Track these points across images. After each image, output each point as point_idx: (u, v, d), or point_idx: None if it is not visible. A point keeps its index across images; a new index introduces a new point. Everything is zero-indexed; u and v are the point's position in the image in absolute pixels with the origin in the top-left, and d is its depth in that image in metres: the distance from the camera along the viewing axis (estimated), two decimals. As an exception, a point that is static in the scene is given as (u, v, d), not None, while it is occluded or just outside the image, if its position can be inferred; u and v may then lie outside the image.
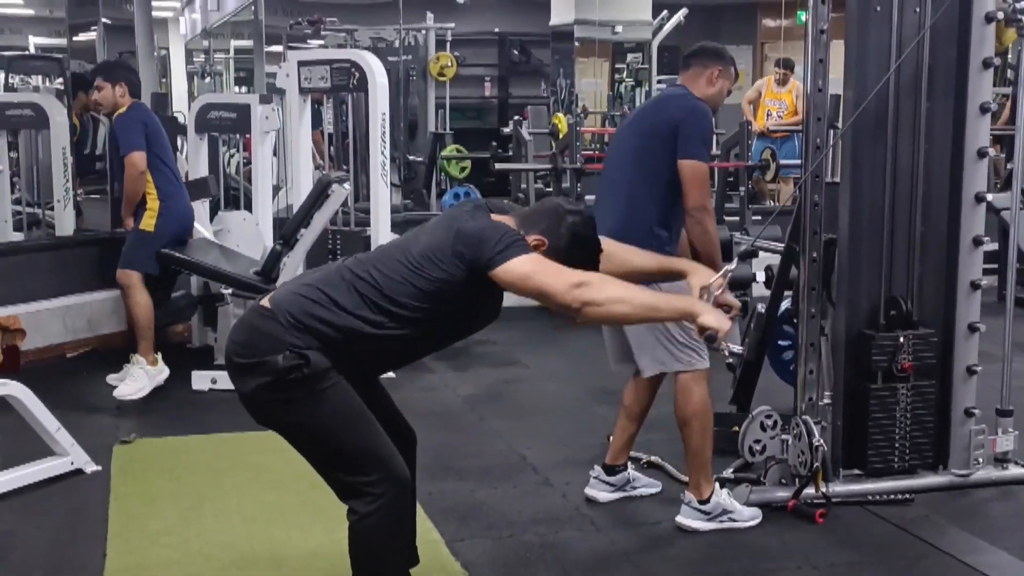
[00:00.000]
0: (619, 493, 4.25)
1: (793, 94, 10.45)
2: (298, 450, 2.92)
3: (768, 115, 10.56)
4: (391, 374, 5.89)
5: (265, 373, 2.78)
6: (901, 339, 4.22)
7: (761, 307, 4.87)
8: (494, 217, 2.90)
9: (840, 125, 4.39)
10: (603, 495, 4.25)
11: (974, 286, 4.32)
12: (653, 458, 4.59)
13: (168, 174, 5.80)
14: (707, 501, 3.96)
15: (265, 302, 2.91)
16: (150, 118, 5.83)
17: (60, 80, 10.16)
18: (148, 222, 5.72)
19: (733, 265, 3.18)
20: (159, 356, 5.78)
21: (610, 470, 4.26)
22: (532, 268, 2.76)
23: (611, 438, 4.35)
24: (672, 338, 3.94)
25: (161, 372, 5.77)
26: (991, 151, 5.16)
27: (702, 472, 3.98)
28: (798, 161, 7.47)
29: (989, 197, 4.34)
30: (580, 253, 2.91)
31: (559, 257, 2.85)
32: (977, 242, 4.30)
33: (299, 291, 2.89)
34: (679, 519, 3.98)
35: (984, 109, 4.25)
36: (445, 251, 2.81)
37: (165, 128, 6.06)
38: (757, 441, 4.25)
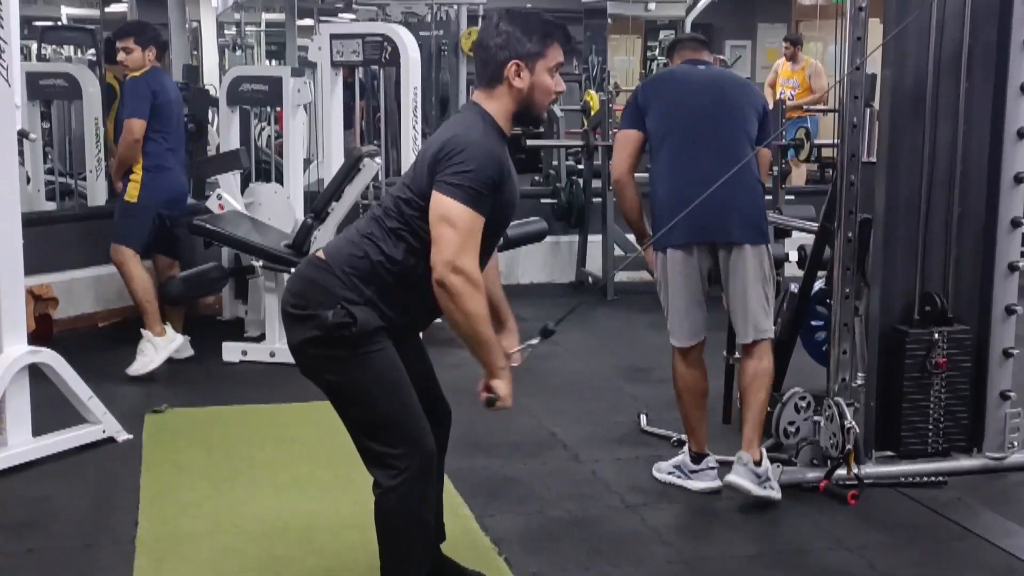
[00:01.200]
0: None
1: (806, 72, 10.29)
2: (334, 406, 2.92)
3: (781, 94, 10.33)
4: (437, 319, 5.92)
5: (314, 327, 2.79)
6: (936, 335, 4.19)
7: (794, 287, 4.84)
8: (494, 113, 2.86)
9: (876, 104, 4.35)
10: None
11: (1012, 268, 4.27)
12: (683, 436, 4.58)
13: (162, 146, 5.67)
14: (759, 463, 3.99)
15: (320, 253, 2.92)
16: (162, 87, 5.71)
17: (92, 51, 10.18)
18: (132, 192, 5.64)
19: (535, 342, 3.19)
20: (167, 326, 5.69)
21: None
22: (453, 217, 2.69)
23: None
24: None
25: (172, 341, 5.66)
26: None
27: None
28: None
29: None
30: (537, 27, 2.87)
31: (536, 50, 2.84)
32: (1016, 223, 4.25)
33: (349, 238, 2.91)
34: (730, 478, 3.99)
35: (1025, 89, 4.20)
36: (419, 177, 2.80)
37: (190, 97, 5.99)
38: (791, 423, 4.23)
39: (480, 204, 2.73)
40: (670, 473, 4.19)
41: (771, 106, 10.00)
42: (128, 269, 5.67)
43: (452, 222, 2.71)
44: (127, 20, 7.68)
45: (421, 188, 2.79)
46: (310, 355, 2.87)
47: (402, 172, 6.21)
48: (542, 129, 9.43)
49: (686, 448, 4.21)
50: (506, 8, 3.00)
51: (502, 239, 5.59)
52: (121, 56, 5.69)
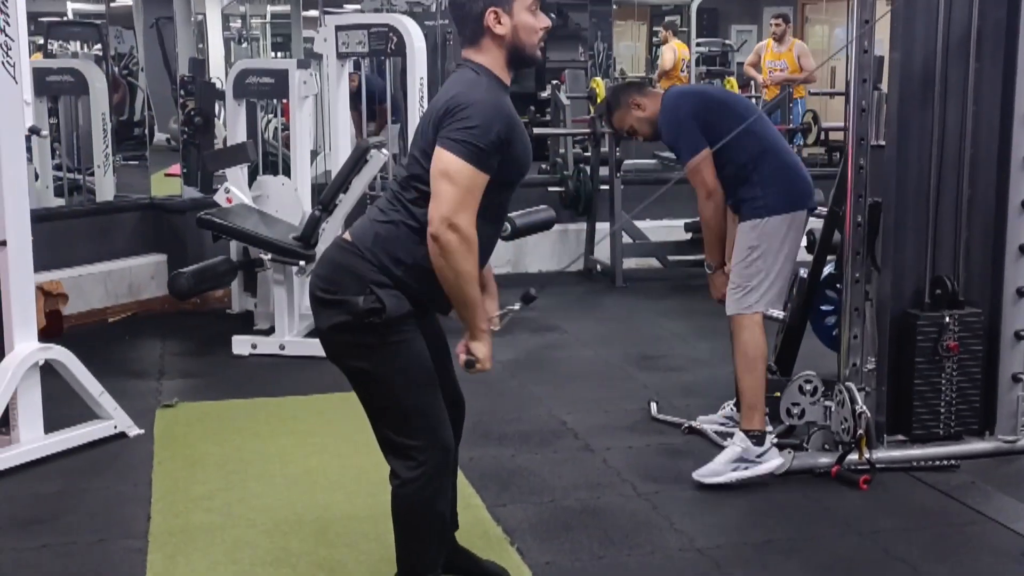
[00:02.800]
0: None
1: (794, 52, 10.09)
2: (357, 393, 2.91)
3: (770, 77, 10.25)
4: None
5: (344, 312, 2.78)
6: (947, 319, 4.18)
7: (804, 272, 4.82)
8: (490, 64, 2.85)
9: (884, 87, 4.33)
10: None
11: (1022, 250, 4.25)
12: (694, 423, 4.58)
13: None
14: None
15: (348, 235, 2.91)
16: None
17: (99, 46, 10.18)
18: None
19: (516, 307, 3.16)
20: None
21: None
22: (454, 173, 2.68)
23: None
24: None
25: None
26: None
27: None
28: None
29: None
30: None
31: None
32: (1027, 207, 4.23)
33: (372, 216, 2.90)
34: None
35: (1036, 69, 4.17)
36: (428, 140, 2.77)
37: (196, 91, 5.87)
38: (795, 404, 4.22)
39: (483, 162, 2.70)
40: (734, 470, 4.03)
41: (757, 88, 9.96)
42: None
43: (452, 178, 2.69)
44: (133, 20, 7.67)
45: (425, 151, 2.77)
46: (338, 341, 2.86)
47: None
48: (549, 117, 9.43)
49: (736, 437, 4.09)
50: None
51: (510, 227, 5.56)
52: None
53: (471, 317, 2.85)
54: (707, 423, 4.55)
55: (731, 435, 4.22)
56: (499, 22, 2.82)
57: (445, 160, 2.69)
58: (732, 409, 4.52)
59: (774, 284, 4.17)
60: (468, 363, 2.89)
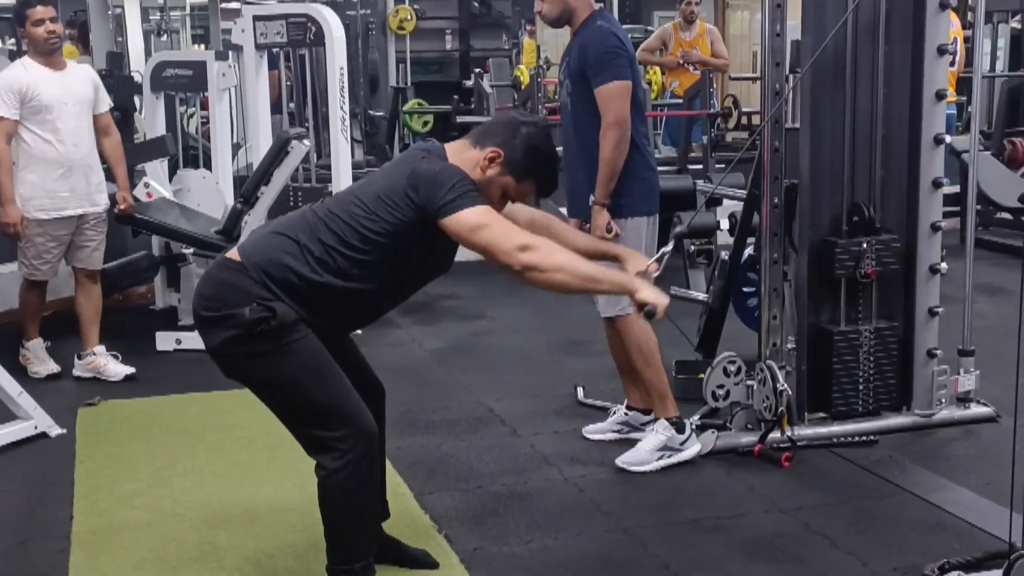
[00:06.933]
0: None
1: (706, 39, 9.17)
2: (265, 403, 2.92)
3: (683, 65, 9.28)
4: (358, 331, 5.90)
5: (232, 326, 2.77)
6: (864, 245, 4.24)
7: (725, 255, 4.89)
8: (452, 157, 2.90)
9: (800, 70, 4.39)
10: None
11: (935, 228, 4.35)
12: (618, 407, 4.62)
13: None
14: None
15: (232, 254, 2.89)
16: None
17: (12, 40, 9.98)
18: None
19: (669, 248, 3.18)
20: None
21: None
22: (481, 220, 2.75)
23: None
24: None
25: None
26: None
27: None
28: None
29: (948, 139, 4.35)
30: (537, 162, 2.93)
31: (516, 169, 2.88)
32: (937, 184, 4.32)
33: (267, 240, 2.88)
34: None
35: (941, 51, 4.25)
36: (398, 192, 2.81)
37: (114, 85, 5.77)
38: (720, 386, 4.28)
39: (481, 199, 2.79)
40: (660, 459, 4.06)
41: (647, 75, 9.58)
42: None
43: (483, 224, 2.75)
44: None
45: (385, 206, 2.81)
46: (232, 355, 2.85)
47: (332, 154, 6.18)
48: (473, 106, 9.44)
49: (657, 426, 4.11)
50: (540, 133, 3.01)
51: None
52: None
53: (612, 286, 2.90)
54: (597, 434, 4.42)
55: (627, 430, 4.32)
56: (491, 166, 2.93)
57: (464, 219, 2.75)
58: (624, 413, 4.41)
59: None
60: (648, 315, 2.82)
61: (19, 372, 4.61)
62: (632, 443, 4.18)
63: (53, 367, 5.41)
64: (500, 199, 2.96)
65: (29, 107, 5.04)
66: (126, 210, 5.51)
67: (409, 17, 10.41)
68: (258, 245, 2.89)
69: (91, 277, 5.40)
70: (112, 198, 5.48)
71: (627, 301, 3.98)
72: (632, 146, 3.99)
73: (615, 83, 3.93)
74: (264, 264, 2.81)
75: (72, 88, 5.20)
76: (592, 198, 4.01)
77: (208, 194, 6.14)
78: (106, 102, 5.45)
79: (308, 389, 2.84)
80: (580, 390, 4.88)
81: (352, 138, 7.18)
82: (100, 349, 5.35)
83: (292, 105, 8.91)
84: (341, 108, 6.06)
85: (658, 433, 4.10)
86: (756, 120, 9.67)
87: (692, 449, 4.11)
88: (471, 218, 2.74)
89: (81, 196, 5.23)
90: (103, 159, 5.45)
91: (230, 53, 6.86)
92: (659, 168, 4.36)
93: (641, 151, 4.06)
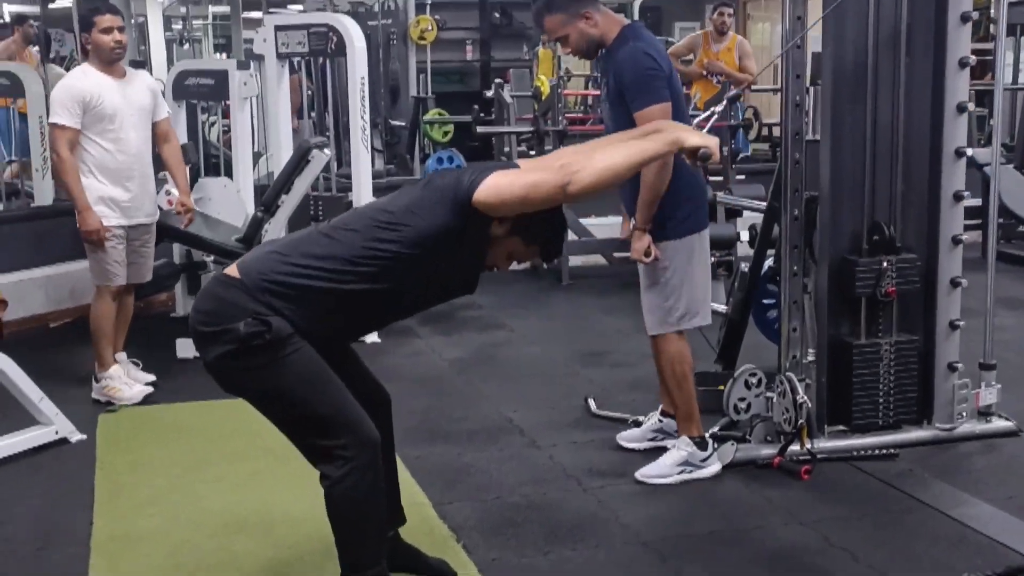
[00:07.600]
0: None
1: (735, 53, 8.86)
2: (266, 416, 2.93)
3: (713, 79, 8.98)
4: (376, 339, 5.92)
5: (228, 341, 2.78)
6: (885, 264, 4.22)
7: (745, 266, 4.88)
8: None
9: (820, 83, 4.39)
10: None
11: (956, 241, 4.33)
12: (640, 418, 4.61)
13: None
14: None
15: (231, 270, 2.90)
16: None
17: (36, 48, 10.06)
18: None
19: (720, 107, 3.14)
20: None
21: None
22: (510, 176, 2.79)
23: None
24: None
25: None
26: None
27: None
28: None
29: (969, 152, 4.33)
30: (546, 234, 2.97)
31: (526, 234, 2.91)
32: (958, 197, 4.30)
33: (268, 257, 2.89)
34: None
35: (963, 64, 4.23)
36: (424, 201, 2.83)
37: None
38: (742, 399, 4.28)
39: (498, 166, 2.86)
40: (680, 473, 4.06)
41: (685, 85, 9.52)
42: None
43: (514, 178, 2.79)
44: (71, 21, 7.57)
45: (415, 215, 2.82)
46: (229, 369, 2.85)
47: (353, 163, 6.20)
48: (493, 116, 9.44)
49: (680, 442, 4.11)
50: None
51: None
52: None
53: (660, 149, 2.86)
54: (632, 442, 4.41)
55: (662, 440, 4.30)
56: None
57: (502, 184, 2.77)
58: (659, 420, 4.40)
59: (703, 300, 4.14)
60: (703, 157, 2.81)
61: (42, 377, 4.63)
62: (664, 451, 4.18)
63: (144, 377, 5.32)
64: (505, 259, 2.99)
65: (92, 115, 4.98)
66: (188, 216, 5.49)
67: (430, 27, 10.45)
68: (258, 262, 2.90)
69: (130, 289, 5.35)
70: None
71: (675, 317, 4.05)
72: (676, 165, 3.87)
73: (655, 107, 3.84)
74: (263, 280, 2.82)
75: (132, 97, 5.14)
76: (633, 222, 4.00)
77: (229, 202, 6.16)
78: (165, 109, 5.41)
79: (307, 400, 2.85)
80: (591, 402, 4.87)
81: (372, 148, 7.21)
82: (122, 356, 5.33)
83: (313, 115, 8.95)
84: (362, 118, 6.08)
85: (680, 449, 4.09)
86: (777, 132, 9.65)
87: (713, 467, 4.10)
88: (500, 179, 2.78)
89: (139, 206, 5.18)
90: (162, 165, 5.42)
91: (252, 62, 6.89)
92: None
93: (687, 168, 3.89)
